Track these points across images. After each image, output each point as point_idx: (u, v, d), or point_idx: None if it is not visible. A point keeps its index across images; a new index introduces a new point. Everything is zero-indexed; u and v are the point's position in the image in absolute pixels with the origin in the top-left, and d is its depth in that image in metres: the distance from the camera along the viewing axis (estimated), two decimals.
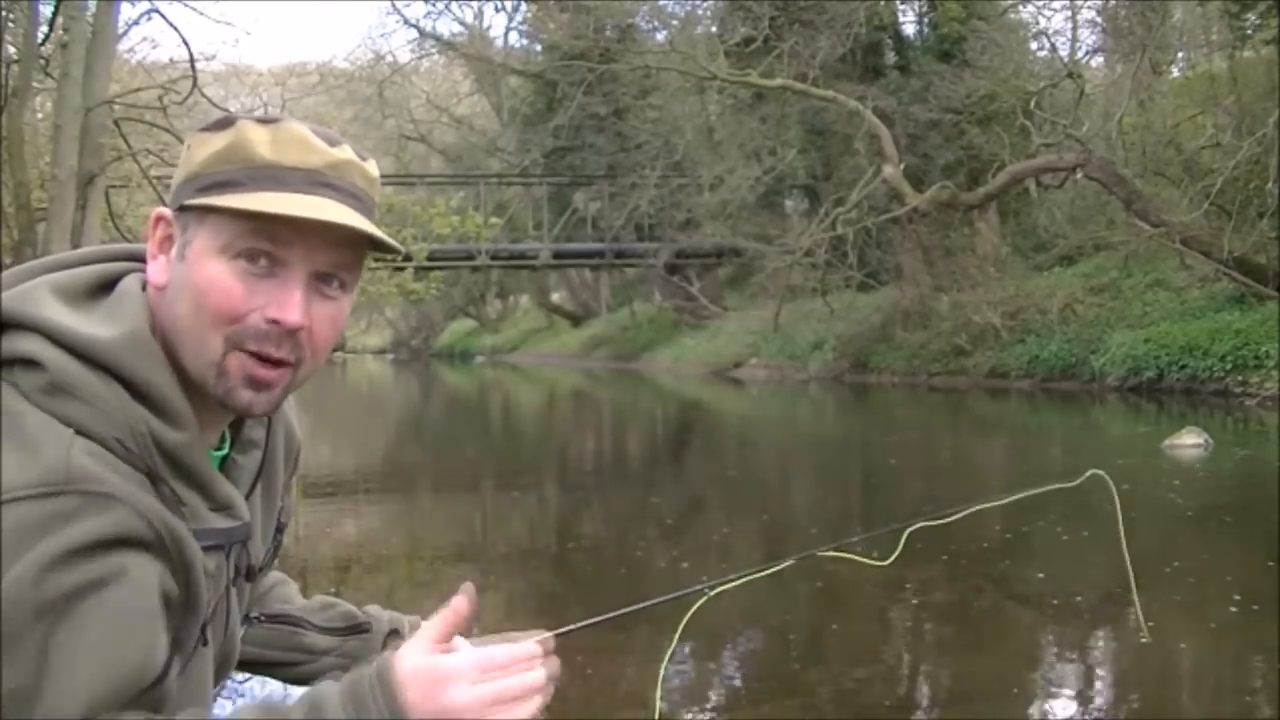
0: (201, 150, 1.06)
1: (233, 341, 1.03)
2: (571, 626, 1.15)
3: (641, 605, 1.23)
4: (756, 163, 29.89)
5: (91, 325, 1.02)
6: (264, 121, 1.06)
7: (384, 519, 10.16)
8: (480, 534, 9.30)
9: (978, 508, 1.60)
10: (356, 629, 1.40)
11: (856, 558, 1.62)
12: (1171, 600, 5.64)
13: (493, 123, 47.88)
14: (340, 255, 1.06)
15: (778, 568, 1.33)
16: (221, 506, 1.07)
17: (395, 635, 1.41)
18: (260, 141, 1.04)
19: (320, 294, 1.06)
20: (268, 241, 1.03)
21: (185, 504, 1.02)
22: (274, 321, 1.03)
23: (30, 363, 0.99)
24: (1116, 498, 1.76)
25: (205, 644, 1.07)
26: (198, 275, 1.03)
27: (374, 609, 1.44)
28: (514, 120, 42.35)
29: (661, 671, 1.78)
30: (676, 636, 1.37)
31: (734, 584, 1.29)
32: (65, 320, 1.02)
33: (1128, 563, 1.90)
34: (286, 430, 1.25)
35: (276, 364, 1.05)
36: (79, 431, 0.97)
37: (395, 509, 10.73)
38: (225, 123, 1.07)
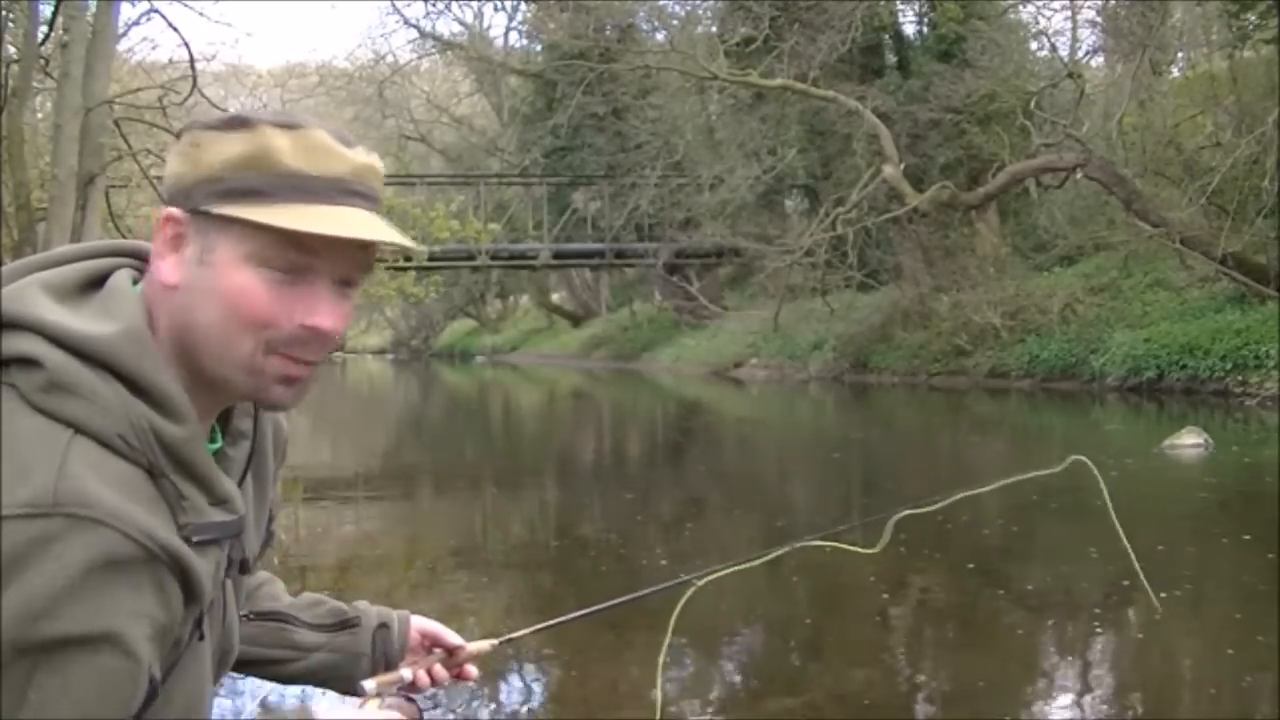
0: (216, 152, 1.05)
1: (270, 346, 1.05)
2: (561, 619, 1.16)
3: (626, 598, 1.23)
4: (756, 163, 29.86)
5: (86, 322, 1.02)
6: (285, 126, 1.05)
7: (384, 519, 10.17)
8: (480, 534, 9.31)
9: (961, 495, 1.61)
10: (345, 624, 1.40)
11: (844, 545, 1.62)
12: (1172, 600, 5.64)
13: (493, 123, 47.88)
14: (362, 259, 1.09)
15: (765, 558, 1.34)
16: (220, 500, 1.07)
17: (384, 629, 1.41)
18: (284, 149, 1.04)
19: (343, 296, 1.09)
20: (295, 252, 1.04)
21: (186, 498, 1.03)
22: (309, 328, 1.06)
23: (28, 362, 0.99)
24: (1103, 483, 1.76)
25: (201, 638, 1.08)
26: (226, 283, 1.04)
27: (363, 604, 1.44)
28: (514, 120, 42.35)
29: (660, 666, 1.78)
30: (670, 629, 1.37)
31: (721, 574, 1.29)
32: (60, 318, 1.02)
33: (1125, 543, 1.89)
34: (274, 421, 1.26)
35: (308, 363, 1.08)
36: (80, 430, 0.97)
37: (395, 509, 10.73)
38: (240, 123, 1.05)
